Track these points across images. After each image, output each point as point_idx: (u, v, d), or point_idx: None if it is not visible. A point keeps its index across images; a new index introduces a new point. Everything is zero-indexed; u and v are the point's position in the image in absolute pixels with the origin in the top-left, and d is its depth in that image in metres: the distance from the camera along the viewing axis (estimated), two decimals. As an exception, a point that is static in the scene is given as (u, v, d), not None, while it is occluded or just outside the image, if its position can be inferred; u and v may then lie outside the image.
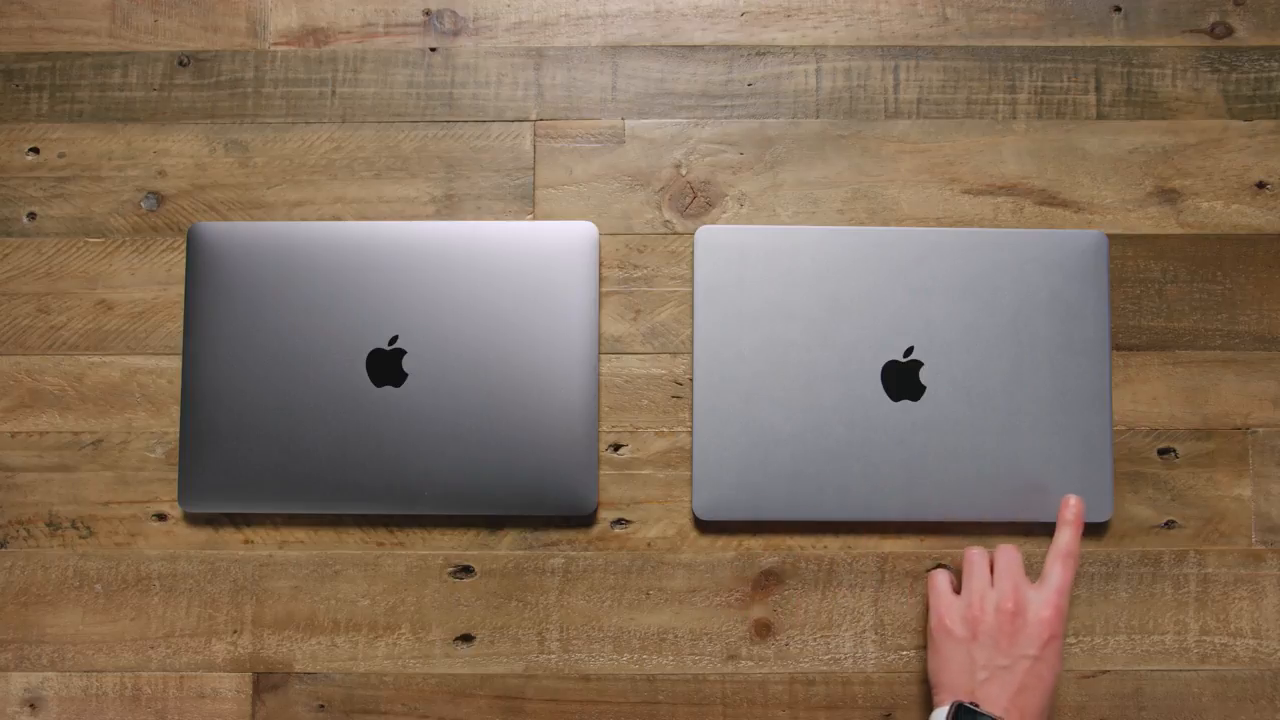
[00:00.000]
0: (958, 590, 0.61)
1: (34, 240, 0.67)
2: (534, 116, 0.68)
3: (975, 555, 0.61)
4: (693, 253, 0.65)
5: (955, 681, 0.57)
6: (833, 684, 0.64)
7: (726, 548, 0.65)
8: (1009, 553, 0.60)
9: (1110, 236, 0.66)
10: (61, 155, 0.67)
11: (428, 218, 0.67)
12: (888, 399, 0.63)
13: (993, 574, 0.60)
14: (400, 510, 0.63)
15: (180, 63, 0.68)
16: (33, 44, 0.68)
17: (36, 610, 0.65)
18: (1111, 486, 0.63)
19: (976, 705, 0.55)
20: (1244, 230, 0.67)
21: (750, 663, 0.64)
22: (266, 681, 0.64)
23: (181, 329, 0.65)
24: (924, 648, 0.64)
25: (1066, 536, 0.60)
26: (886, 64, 0.68)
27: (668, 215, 0.67)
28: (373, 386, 0.63)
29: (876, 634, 0.64)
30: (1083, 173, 0.67)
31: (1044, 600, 0.57)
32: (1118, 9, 0.68)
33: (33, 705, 0.64)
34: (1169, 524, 0.65)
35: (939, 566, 0.64)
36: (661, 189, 0.67)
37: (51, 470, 0.65)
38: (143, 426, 0.65)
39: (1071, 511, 0.61)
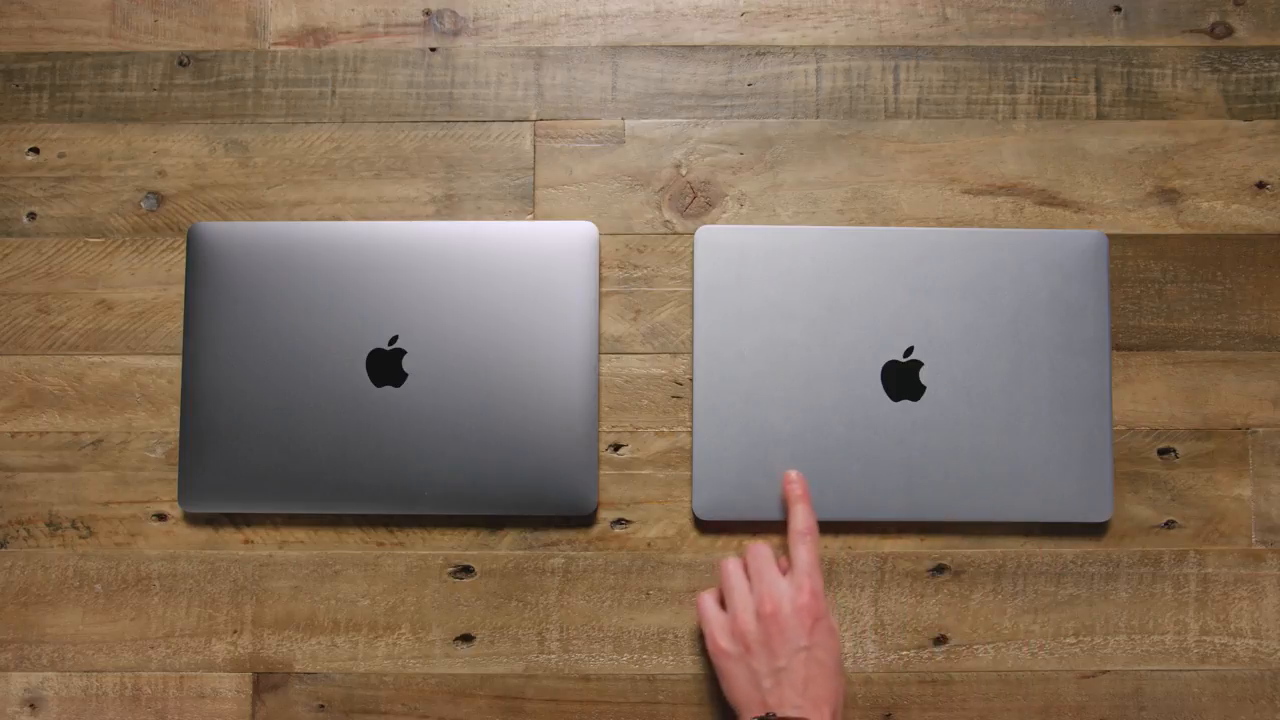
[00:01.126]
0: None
1: (34, 240, 0.67)
2: (534, 116, 0.68)
3: (729, 568, 0.59)
4: (693, 253, 0.65)
5: (747, 698, 0.56)
6: (833, 684, 0.64)
7: (726, 548, 0.65)
8: (755, 553, 0.59)
9: (1110, 236, 0.66)
10: (61, 155, 0.67)
11: (428, 218, 0.67)
12: (888, 399, 0.63)
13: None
14: (400, 510, 0.63)
15: (180, 63, 0.68)
16: (33, 44, 0.68)
17: (36, 610, 0.65)
18: (1111, 486, 0.63)
19: (773, 714, 0.54)
20: (1244, 230, 0.67)
21: (750, 663, 0.64)
22: (266, 681, 0.64)
23: (181, 329, 0.65)
24: (923, 648, 0.64)
25: (800, 514, 0.59)
26: (886, 64, 0.68)
27: (668, 215, 0.67)
28: (373, 386, 0.63)
29: (876, 634, 0.64)
30: (1083, 173, 0.67)
31: (796, 587, 0.57)
32: (1118, 9, 0.68)
33: (33, 705, 0.64)
34: (1169, 524, 0.65)
35: (731, 559, 0.61)
36: (661, 189, 0.67)
37: (51, 470, 0.65)
38: (143, 426, 0.65)
39: (797, 487, 0.60)
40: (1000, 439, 0.63)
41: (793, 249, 0.64)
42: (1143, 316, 0.66)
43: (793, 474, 0.61)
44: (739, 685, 0.56)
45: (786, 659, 0.55)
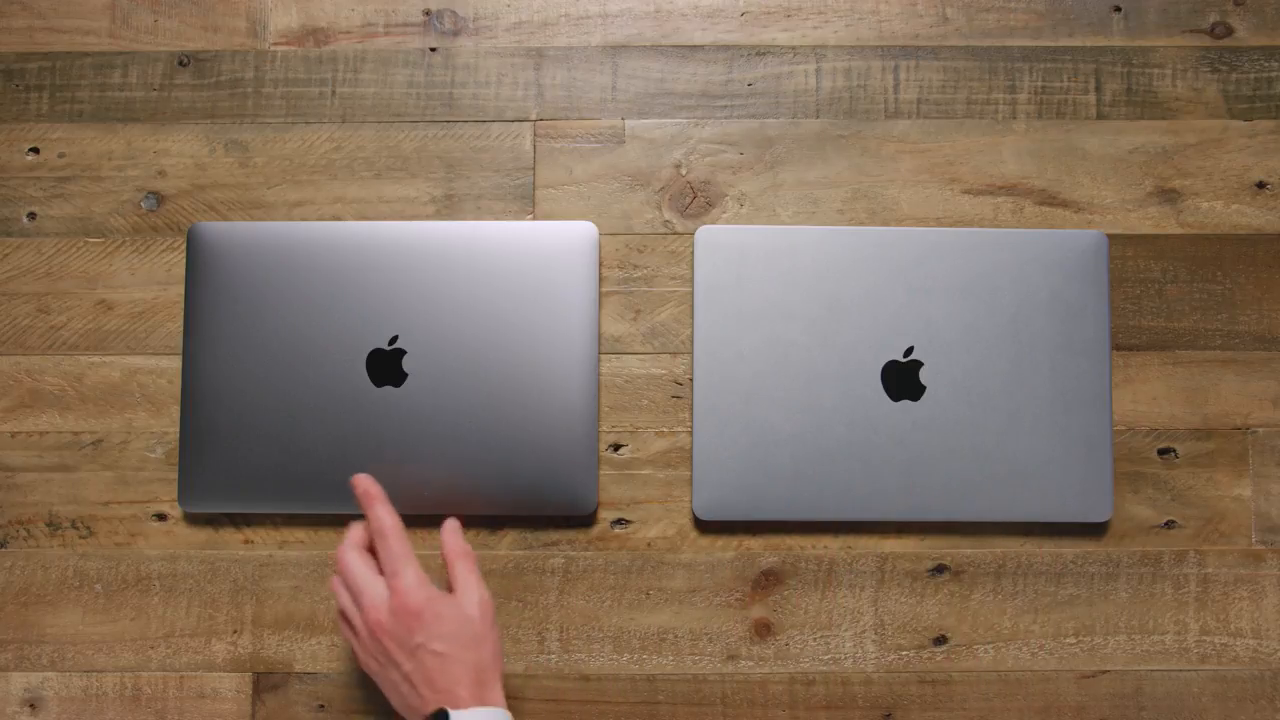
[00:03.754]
0: None
1: (34, 240, 0.67)
2: (534, 116, 0.68)
3: (336, 585, 0.57)
4: (693, 253, 0.65)
5: (404, 707, 0.54)
6: (833, 684, 0.64)
7: (726, 548, 0.65)
8: (349, 565, 0.56)
9: (1110, 236, 0.66)
10: (61, 155, 0.67)
11: (428, 218, 0.67)
12: (888, 399, 0.63)
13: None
14: (400, 510, 0.63)
15: (180, 63, 0.68)
16: (33, 44, 0.68)
17: (36, 610, 0.65)
18: (1111, 486, 0.63)
19: (444, 712, 0.52)
20: (1244, 230, 0.67)
21: (750, 663, 0.64)
22: (266, 681, 0.64)
23: (181, 329, 0.65)
24: (923, 648, 0.64)
25: (374, 515, 0.56)
26: (886, 64, 0.68)
27: (668, 215, 0.67)
28: (373, 386, 0.63)
29: (876, 634, 0.64)
30: (1083, 173, 0.67)
31: (389, 589, 0.54)
32: (1118, 9, 0.68)
33: (33, 705, 0.64)
34: (1169, 524, 0.65)
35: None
36: (661, 189, 0.67)
37: (51, 470, 0.65)
38: (143, 426, 0.65)
39: (369, 488, 0.57)
40: (1000, 439, 0.63)
41: (793, 249, 0.64)
42: (1143, 316, 0.66)
43: (361, 478, 0.58)
44: (394, 696, 0.55)
45: (408, 662, 0.53)
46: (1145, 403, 0.66)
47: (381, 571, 0.56)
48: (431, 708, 0.52)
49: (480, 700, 0.53)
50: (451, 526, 0.58)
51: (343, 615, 0.57)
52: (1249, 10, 0.68)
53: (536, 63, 0.68)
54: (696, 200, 0.67)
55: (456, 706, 0.52)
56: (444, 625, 0.54)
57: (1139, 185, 0.67)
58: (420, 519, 0.65)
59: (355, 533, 0.58)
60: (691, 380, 0.65)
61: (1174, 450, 0.65)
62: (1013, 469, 0.63)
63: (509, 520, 0.65)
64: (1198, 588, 0.64)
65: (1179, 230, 0.67)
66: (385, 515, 0.56)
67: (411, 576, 0.55)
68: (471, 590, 0.56)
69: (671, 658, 0.64)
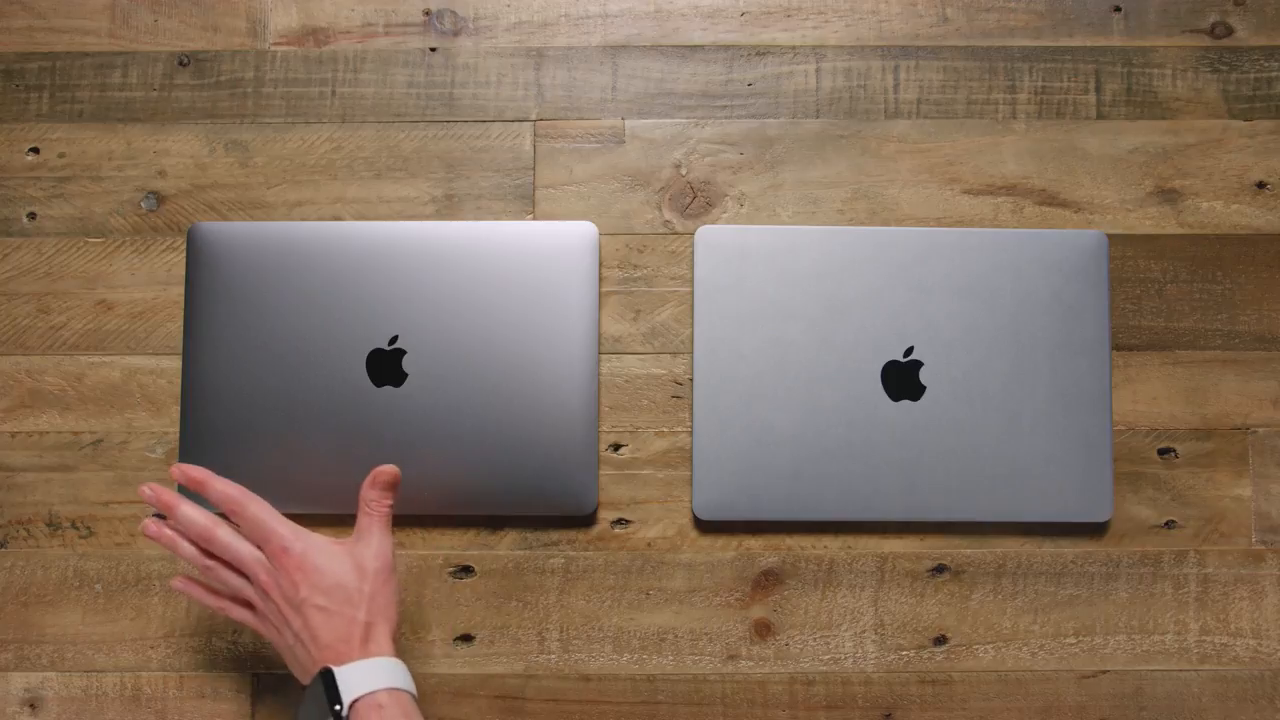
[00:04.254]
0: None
1: (34, 240, 0.67)
2: (534, 116, 0.68)
3: (213, 572, 0.55)
4: (693, 253, 0.65)
5: (302, 667, 0.52)
6: (833, 684, 0.64)
7: (726, 548, 0.65)
8: (205, 529, 0.54)
9: (1110, 236, 0.66)
10: (61, 155, 0.67)
11: (428, 218, 0.67)
12: (888, 399, 0.63)
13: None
14: (400, 510, 0.63)
15: (180, 63, 0.68)
16: (33, 44, 0.68)
17: (36, 610, 0.65)
18: (1111, 486, 0.63)
19: (316, 678, 0.50)
20: (1244, 230, 0.67)
21: (750, 663, 0.64)
22: (266, 681, 0.64)
23: (181, 329, 0.65)
24: (923, 648, 0.64)
25: (213, 490, 0.54)
26: (886, 64, 0.68)
27: (668, 215, 0.67)
28: (373, 386, 0.63)
29: (876, 634, 0.64)
30: (1083, 173, 0.67)
31: (256, 551, 0.53)
32: (1118, 9, 0.68)
33: (33, 705, 0.64)
34: (1169, 524, 0.65)
35: None
36: (661, 189, 0.67)
37: (51, 470, 0.65)
38: (143, 426, 0.65)
39: (197, 474, 0.55)
40: (1000, 439, 0.63)
41: (793, 249, 0.64)
42: (1143, 316, 0.66)
43: (185, 467, 0.56)
44: (292, 662, 0.53)
45: (296, 618, 0.51)
46: (1145, 403, 0.66)
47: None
48: (316, 667, 0.50)
49: (366, 655, 0.51)
50: (378, 477, 0.56)
51: (235, 600, 0.54)
52: (1249, 10, 0.68)
53: (536, 63, 0.68)
54: (696, 200, 0.67)
55: (340, 662, 0.50)
56: (324, 578, 0.52)
57: (1139, 185, 0.67)
58: (420, 519, 0.65)
59: (198, 513, 0.54)
60: (691, 380, 0.65)
61: (1174, 450, 0.65)
62: (1013, 469, 0.63)
63: (509, 520, 0.65)
64: (1198, 588, 0.64)
65: (1179, 230, 0.67)
66: (228, 486, 0.54)
67: (285, 532, 0.53)
68: (370, 541, 0.54)
69: (671, 658, 0.64)
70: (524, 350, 0.63)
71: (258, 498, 0.55)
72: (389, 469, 0.56)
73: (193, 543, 0.56)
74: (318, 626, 0.51)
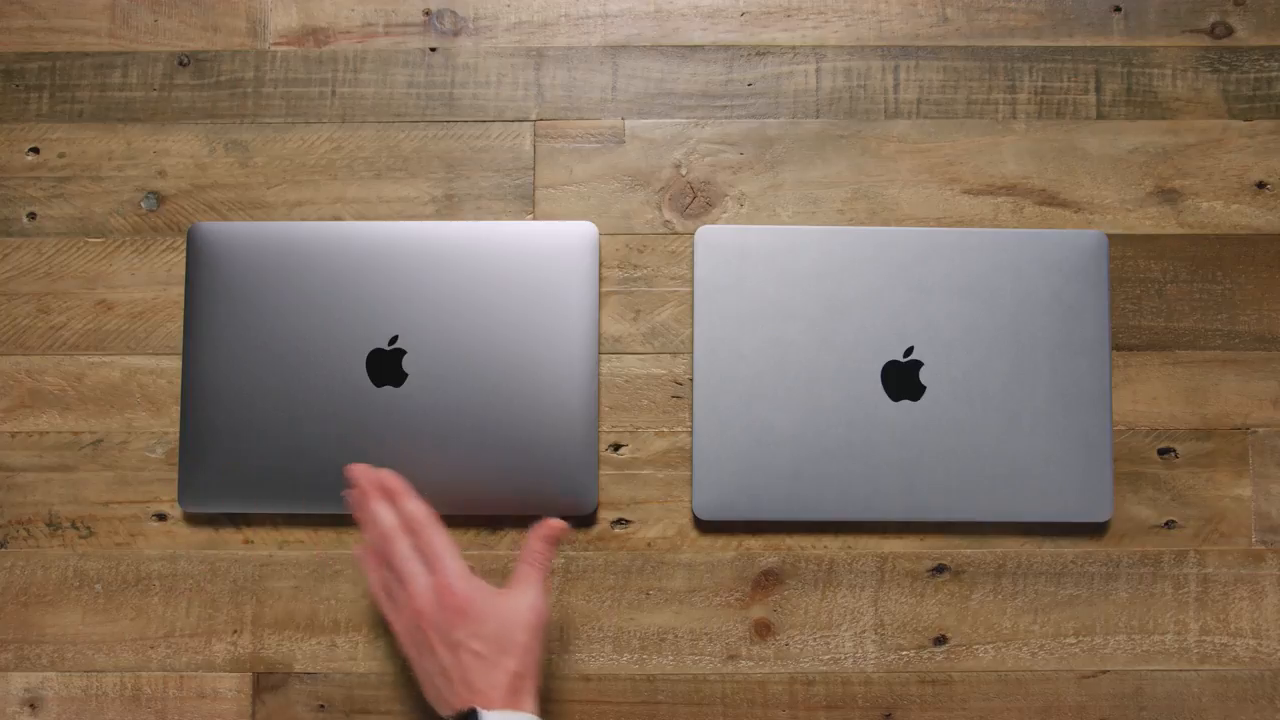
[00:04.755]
0: None
1: (34, 240, 0.67)
2: (534, 116, 0.68)
3: (373, 566, 0.56)
4: (693, 253, 0.65)
5: (434, 698, 0.54)
6: (833, 684, 0.64)
7: (726, 548, 0.65)
8: (394, 541, 0.55)
9: (1110, 236, 0.66)
10: (61, 155, 0.67)
11: (428, 218, 0.67)
12: (888, 399, 0.63)
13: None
14: (400, 510, 0.63)
15: (180, 63, 0.68)
16: (33, 44, 0.68)
17: (36, 610, 0.65)
18: (1111, 486, 0.63)
19: (455, 715, 0.52)
20: (1244, 230, 0.67)
21: (750, 663, 0.64)
22: (266, 681, 0.64)
23: (181, 329, 0.65)
24: (923, 648, 0.64)
25: (405, 505, 0.56)
26: (886, 64, 0.68)
27: (668, 215, 0.67)
28: (373, 386, 0.63)
29: (876, 634, 0.64)
30: (1083, 173, 0.67)
31: (428, 586, 0.53)
32: (1118, 9, 0.68)
33: (33, 705, 0.64)
34: (1169, 524, 0.65)
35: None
36: (661, 189, 0.67)
37: (51, 470, 0.65)
38: (143, 426, 0.65)
39: (392, 481, 0.57)
40: (1000, 439, 0.63)
41: (793, 249, 0.64)
42: (1143, 316, 0.66)
43: (383, 473, 0.57)
44: (427, 685, 0.54)
45: (447, 656, 0.52)
46: (1145, 403, 0.66)
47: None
48: (463, 705, 0.52)
49: (513, 706, 0.52)
50: (548, 530, 0.57)
51: (384, 593, 0.56)
52: (1249, 10, 0.68)
53: (536, 63, 0.68)
54: (696, 200, 0.67)
55: (488, 708, 0.51)
56: (486, 625, 0.53)
57: (1139, 185, 0.67)
58: (420, 519, 0.65)
59: (392, 517, 0.56)
60: (691, 380, 0.65)
61: (1174, 450, 0.65)
62: (1013, 469, 0.63)
63: (509, 520, 0.65)
64: (1198, 588, 0.64)
65: (1179, 230, 0.67)
66: (419, 507, 0.56)
67: (455, 568, 0.54)
68: (527, 594, 0.55)
69: (671, 658, 0.64)
70: (524, 350, 0.63)
71: (440, 525, 0.56)
72: (559, 523, 0.58)
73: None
74: (470, 669, 0.52)
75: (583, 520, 0.65)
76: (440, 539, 0.55)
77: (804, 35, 0.68)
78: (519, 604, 0.54)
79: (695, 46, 0.68)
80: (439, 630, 0.53)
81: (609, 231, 0.67)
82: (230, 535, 0.65)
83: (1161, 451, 0.65)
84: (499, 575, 0.64)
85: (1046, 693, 0.64)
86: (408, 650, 0.55)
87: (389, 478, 0.57)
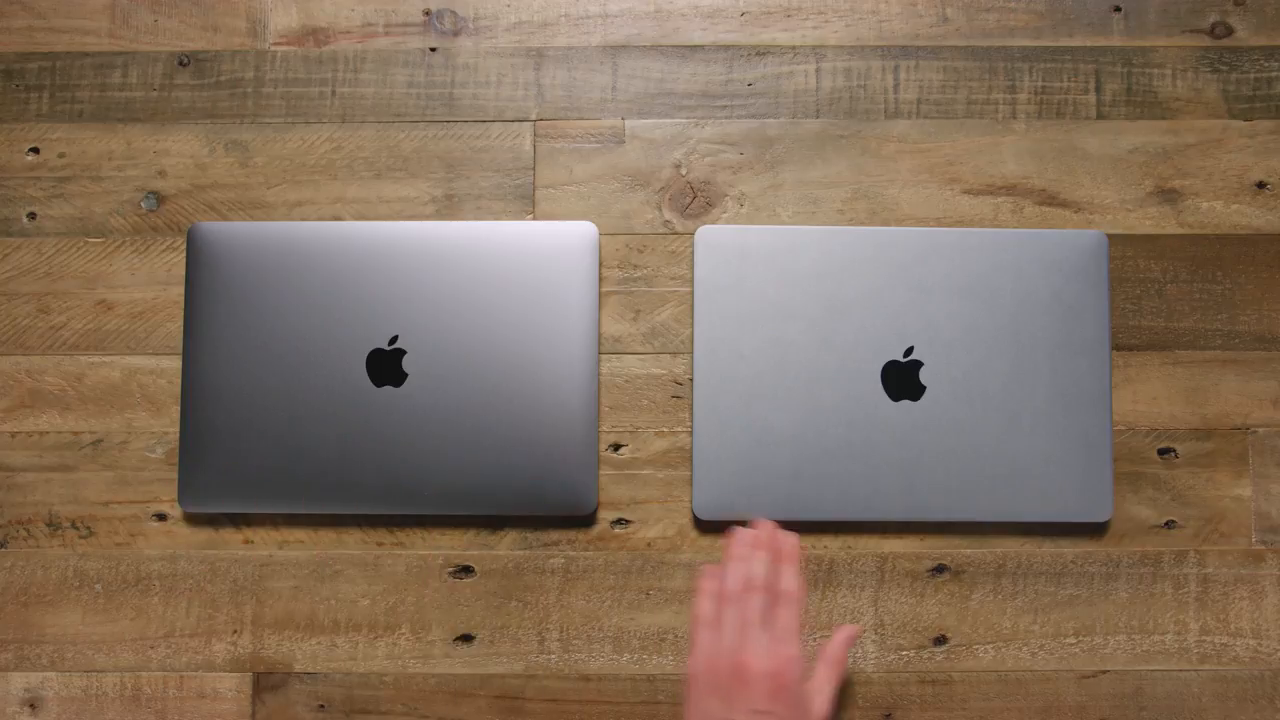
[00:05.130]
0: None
1: (34, 240, 0.67)
2: (534, 116, 0.68)
3: (730, 579, 0.56)
4: (693, 253, 0.65)
5: None
6: (833, 684, 0.64)
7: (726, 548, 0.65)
8: (755, 581, 0.56)
9: (1110, 236, 0.66)
10: (61, 155, 0.67)
11: (428, 218, 0.67)
12: (888, 399, 0.63)
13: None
14: (400, 510, 0.63)
15: (180, 63, 0.68)
16: (33, 44, 0.68)
17: (36, 610, 0.65)
18: (1111, 486, 0.63)
19: None
20: (1244, 230, 0.67)
21: (750, 663, 0.64)
22: (266, 681, 0.64)
23: (181, 329, 0.65)
24: (924, 648, 0.64)
25: (786, 577, 0.57)
26: (886, 64, 0.68)
27: (668, 215, 0.67)
28: (373, 386, 0.63)
29: (876, 634, 0.64)
30: (1083, 173, 0.67)
31: (768, 652, 0.54)
32: (1118, 9, 0.68)
33: (33, 705, 0.64)
34: (1169, 524, 0.65)
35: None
36: (661, 189, 0.67)
37: (51, 470, 0.65)
38: (143, 426, 0.65)
39: (788, 548, 0.58)
40: (1000, 439, 0.63)
41: (793, 249, 0.64)
42: (1143, 316, 0.66)
43: (780, 535, 0.58)
44: (692, 716, 0.54)
45: (742, 714, 0.53)
46: (1145, 403, 0.66)
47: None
48: None
49: None
50: (846, 635, 0.58)
51: (711, 624, 0.56)
52: (1249, 10, 0.68)
53: (536, 63, 0.68)
54: (696, 200, 0.67)
55: None
56: (794, 711, 0.53)
57: (1139, 185, 0.67)
58: (420, 519, 0.65)
59: (765, 571, 0.57)
60: (691, 380, 0.65)
61: (1174, 450, 0.65)
62: (1013, 469, 0.63)
63: (509, 520, 0.65)
64: (1198, 588, 0.64)
65: (1179, 230, 0.67)
66: (797, 586, 0.56)
67: (798, 651, 0.54)
68: (825, 694, 0.56)
69: (671, 658, 0.64)
70: (524, 350, 0.63)
71: (801, 607, 0.56)
72: (857, 629, 0.60)
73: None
74: None
75: (583, 520, 0.65)
76: (798, 619, 0.55)
77: (804, 35, 0.68)
78: (817, 701, 0.55)
79: (695, 46, 0.68)
80: (753, 693, 0.53)
81: (609, 231, 0.67)
82: (230, 535, 0.65)
83: (1161, 451, 0.65)
84: (500, 576, 0.64)
85: (1046, 693, 0.64)
86: (698, 686, 0.54)
87: (788, 541, 0.58)
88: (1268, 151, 0.67)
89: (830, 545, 0.65)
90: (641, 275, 0.67)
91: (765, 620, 0.55)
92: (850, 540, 0.65)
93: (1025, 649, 0.64)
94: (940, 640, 0.64)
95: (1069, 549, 0.65)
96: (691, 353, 0.65)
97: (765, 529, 0.58)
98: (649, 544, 0.65)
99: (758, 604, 0.55)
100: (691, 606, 0.59)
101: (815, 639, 0.64)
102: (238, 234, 0.64)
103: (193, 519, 0.65)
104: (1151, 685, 0.64)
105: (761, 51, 0.68)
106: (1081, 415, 0.63)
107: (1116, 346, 0.66)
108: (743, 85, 0.68)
